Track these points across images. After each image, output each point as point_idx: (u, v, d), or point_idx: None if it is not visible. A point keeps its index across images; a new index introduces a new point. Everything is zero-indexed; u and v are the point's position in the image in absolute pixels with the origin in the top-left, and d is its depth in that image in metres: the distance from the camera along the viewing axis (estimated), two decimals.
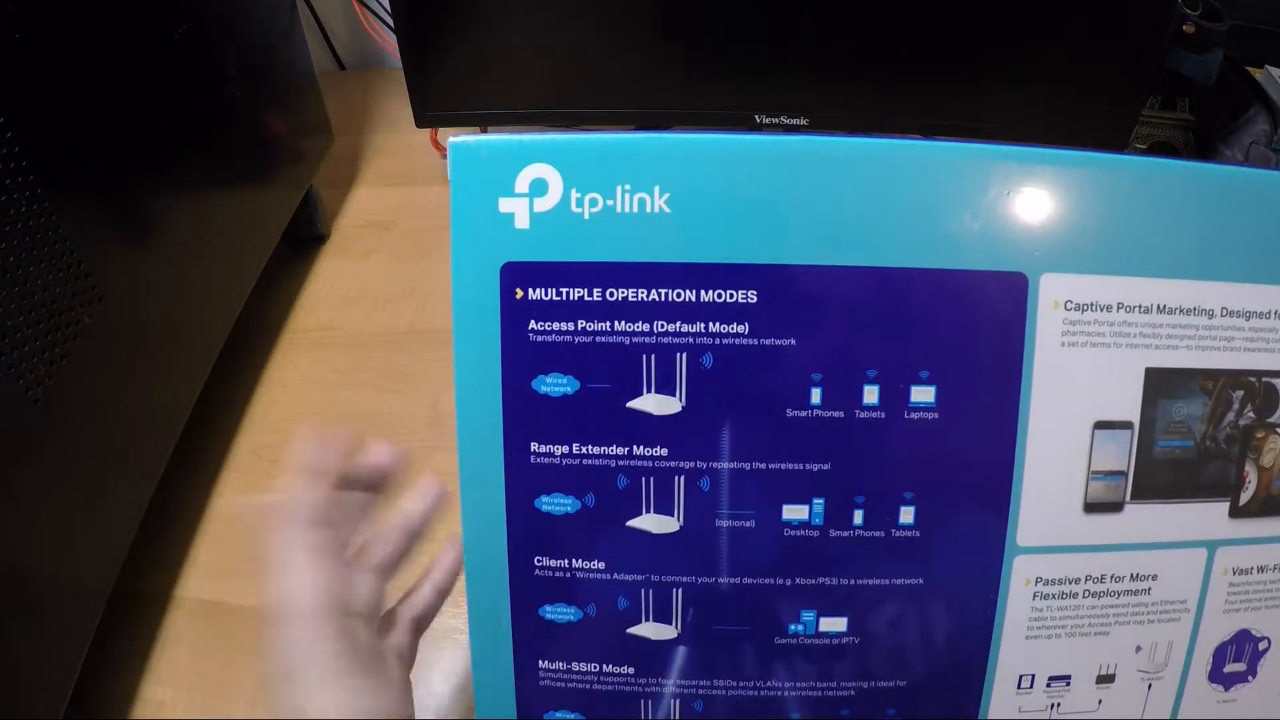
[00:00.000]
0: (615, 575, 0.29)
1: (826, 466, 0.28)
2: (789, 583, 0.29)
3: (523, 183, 0.27)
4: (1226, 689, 0.30)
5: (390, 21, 0.80)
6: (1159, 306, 0.27)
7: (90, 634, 0.44)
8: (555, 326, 0.27)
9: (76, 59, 0.44)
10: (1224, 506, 0.29)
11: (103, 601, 0.46)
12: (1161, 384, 0.28)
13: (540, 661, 0.30)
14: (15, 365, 0.39)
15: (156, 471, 0.52)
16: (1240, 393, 0.28)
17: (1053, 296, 0.27)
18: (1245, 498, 0.29)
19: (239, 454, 0.61)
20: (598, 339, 0.27)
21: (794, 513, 0.28)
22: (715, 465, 0.28)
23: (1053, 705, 0.29)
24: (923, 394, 0.27)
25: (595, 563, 0.29)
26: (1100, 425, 0.28)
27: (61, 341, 0.42)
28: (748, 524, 0.28)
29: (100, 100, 0.47)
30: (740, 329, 0.27)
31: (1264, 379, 0.28)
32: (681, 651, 0.29)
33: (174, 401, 0.55)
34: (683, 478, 0.28)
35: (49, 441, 0.42)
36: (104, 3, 0.47)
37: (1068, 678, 0.29)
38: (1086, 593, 0.29)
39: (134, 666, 0.50)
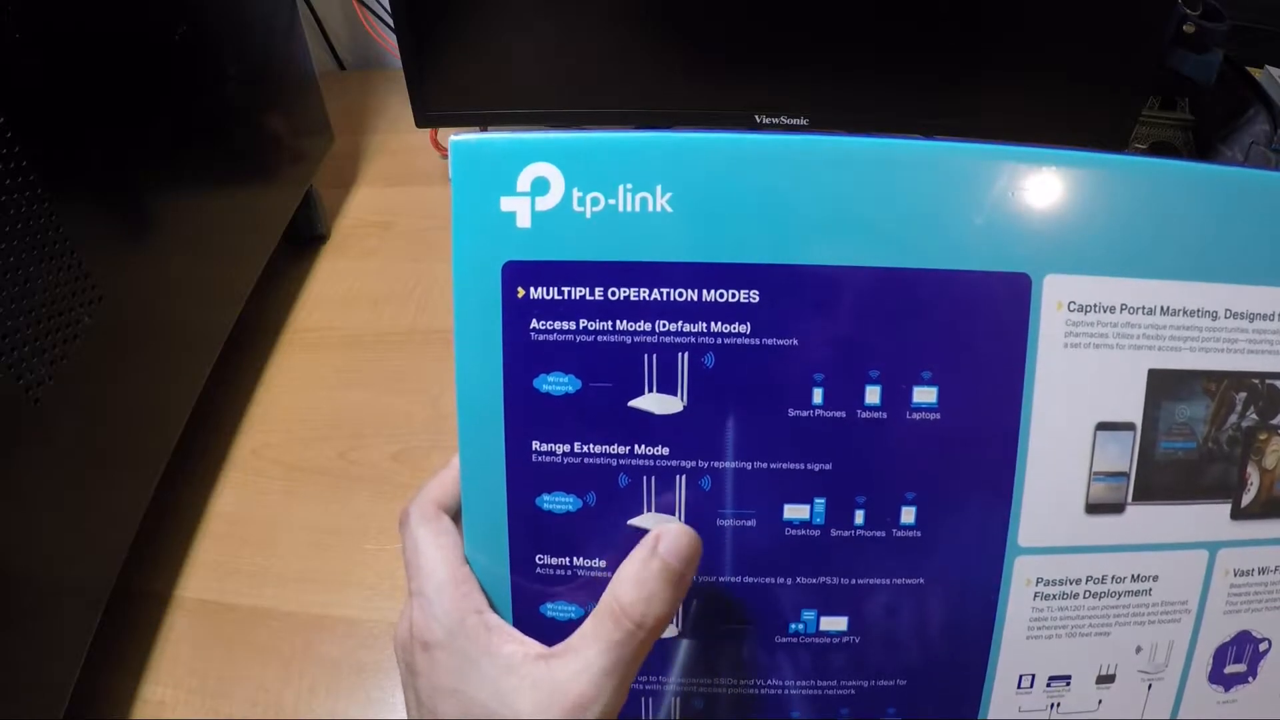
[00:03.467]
0: None
1: (828, 466, 0.28)
2: (790, 582, 0.29)
3: (524, 182, 0.27)
4: (1226, 690, 0.30)
5: (390, 21, 0.80)
6: (1162, 308, 0.27)
7: (90, 634, 0.44)
8: (557, 325, 0.27)
9: (77, 59, 0.44)
10: (1226, 508, 0.29)
11: (103, 601, 0.46)
12: (1164, 385, 0.28)
13: None
14: (15, 365, 0.39)
15: (156, 471, 0.52)
16: (1243, 395, 0.28)
17: (1056, 297, 0.27)
18: (1247, 500, 0.29)
19: (239, 454, 0.61)
20: (599, 338, 0.27)
21: (795, 512, 0.28)
22: (716, 465, 0.28)
23: (1053, 705, 0.29)
24: (925, 394, 0.27)
25: (596, 561, 0.29)
26: (1102, 426, 0.28)
27: (61, 341, 0.42)
28: (749, 523, 0.28)
29: (100, 100, 0.47)
30: (742, 328, 0.27)
31: (1266, 381, 0.28)
32: (682, 649, 0.29)
33: (174, 401, 0.55)
34: (684, 477, 0.28)
35: (49, 441, 0.42)
36: (104, 3, 0.47)
37: (1068, 678, 0.29)
38: (1087, 593, 0.29)
39: (134, 666, 0.50)
